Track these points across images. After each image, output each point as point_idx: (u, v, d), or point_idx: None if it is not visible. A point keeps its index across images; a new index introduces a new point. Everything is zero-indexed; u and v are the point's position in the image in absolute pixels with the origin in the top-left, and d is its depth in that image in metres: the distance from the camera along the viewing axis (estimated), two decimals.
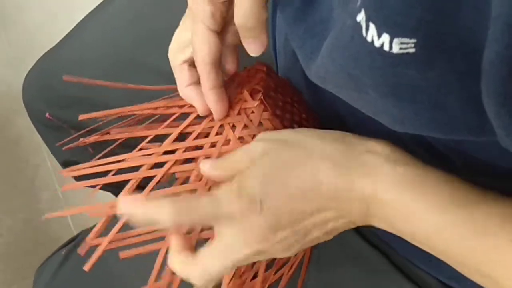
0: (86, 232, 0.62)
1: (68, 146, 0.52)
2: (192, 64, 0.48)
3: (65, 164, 0.79)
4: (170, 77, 0.51)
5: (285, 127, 0.49)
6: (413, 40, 0.30)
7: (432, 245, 0.39)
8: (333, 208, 0.41)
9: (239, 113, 0.47)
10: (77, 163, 0.75)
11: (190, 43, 0.47)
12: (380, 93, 0.35)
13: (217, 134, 0.47)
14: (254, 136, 0.46)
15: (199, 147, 0.47)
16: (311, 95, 0.54)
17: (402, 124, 0.37)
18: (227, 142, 0.46)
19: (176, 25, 0.51)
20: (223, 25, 0.46)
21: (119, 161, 0.47)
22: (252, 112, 0.47)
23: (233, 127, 0.47)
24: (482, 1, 0.28)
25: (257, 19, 0.43)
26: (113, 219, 0.47)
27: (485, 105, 0.31)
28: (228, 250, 0.42)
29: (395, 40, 0.31)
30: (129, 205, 0.41)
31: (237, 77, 0.51)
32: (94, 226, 0.50)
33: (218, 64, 0.46)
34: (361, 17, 0.32)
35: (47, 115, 0.71)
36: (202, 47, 0.46)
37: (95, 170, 0.48)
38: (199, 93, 0.48)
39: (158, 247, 0.45)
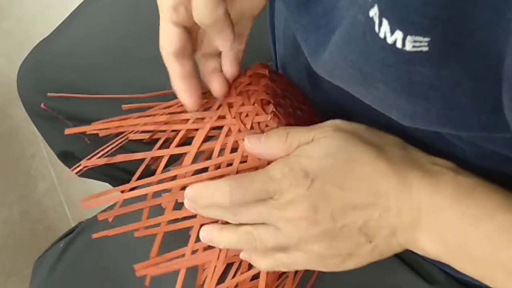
0: (84, 223, 0.61)
1: (82, 168, 0.52)
2: (178, 55, 0.47)
3: (61, 155, 0.79)
4: (165, 67, 0.50)
5: None
6: (427, 39, 0.30)
7: (480, 254, 0.39)
8: (379, 209, 0.41)
9: (251, 128, 0.46)
10: (73, 154, 0.75)
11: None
12: (392, 89, 0.35)
13: (232, 150, 0.46)
14: None
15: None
16: (312, 85, 0.53)
17: (412, 119, 0.37)
18: (244, 158, 0.45)
19: None
20: (193, 22, 0.46)
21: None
22: (266, 125, 0.46)
23: None
24: (501, 2, 0.27)
25: (213, 16, 0.43)
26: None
27: (505, 110, 0.31)
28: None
29: (408, 38, 0.30)
30: (194, 188, 0.44)
31: (239, 84, 0.50)
32: (91, 218, 0.50)
33: (184, 56, 0.46)
34: (374, 12, 0.31)
35: (42, 105, 0.71)
36: (163, 38, 0.46)
37: (118, 199, 0.47)
38: (187, 87, 0.47)
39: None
